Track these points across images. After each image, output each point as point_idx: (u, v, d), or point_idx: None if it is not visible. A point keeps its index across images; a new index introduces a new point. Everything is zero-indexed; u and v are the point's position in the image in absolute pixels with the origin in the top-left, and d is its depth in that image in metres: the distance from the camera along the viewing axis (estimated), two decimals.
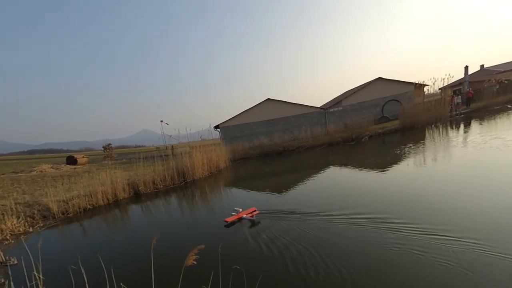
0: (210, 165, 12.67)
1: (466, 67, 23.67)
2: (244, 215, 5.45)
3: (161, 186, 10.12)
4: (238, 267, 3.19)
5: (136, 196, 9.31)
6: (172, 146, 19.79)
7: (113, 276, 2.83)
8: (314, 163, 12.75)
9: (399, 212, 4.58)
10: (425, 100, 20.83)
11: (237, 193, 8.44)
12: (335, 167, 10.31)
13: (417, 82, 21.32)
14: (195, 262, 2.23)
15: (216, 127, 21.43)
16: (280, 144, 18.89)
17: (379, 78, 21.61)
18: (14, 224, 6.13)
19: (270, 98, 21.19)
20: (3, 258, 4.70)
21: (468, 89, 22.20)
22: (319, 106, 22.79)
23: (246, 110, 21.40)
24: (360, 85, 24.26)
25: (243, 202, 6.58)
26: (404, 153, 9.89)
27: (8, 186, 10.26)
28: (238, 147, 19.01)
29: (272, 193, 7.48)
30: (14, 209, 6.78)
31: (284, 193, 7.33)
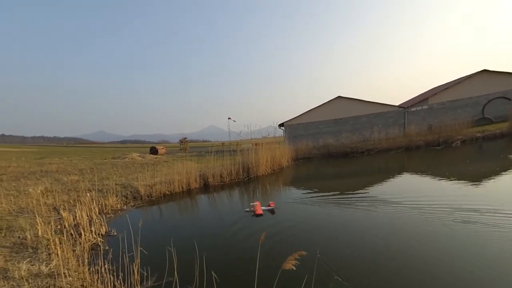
0: (273, 162, 12.55)
1: None
2: (263, 207, 6.13)
3: (227, 180, 10.50)
4: (339, 279, 2.89)
5: (205, 187, 9.90)
6: (237, 143, 20.69)
7: (174, 256, 3.16)
8: (385, 168, 11.42)
9: None
10: None
11: (296, 192, 8.09)
12: (411, 174, 8.97)
13: None
14: (294, 268, 2.19)
15: (281, 125, 21.29)
16: (347, 145, 17.37)
17: (484, 70, 17.36)
18: (114, 201, 7.25)
19: (341, 95, 19.73)
20: (107, 229, 5.55)
21: None
22: (397, 104, 19.97)
23: (313, 108, 20.54)
24: (455, 80, 20.08)
25: (303, 201, 6.57)
26: None
27: (109, 169, 12.48)
28: (301, 146, 18.39)
29: (337, 194, 6.79)
30: (114, 189, 8.07)
31: (346, 196, 6.66)
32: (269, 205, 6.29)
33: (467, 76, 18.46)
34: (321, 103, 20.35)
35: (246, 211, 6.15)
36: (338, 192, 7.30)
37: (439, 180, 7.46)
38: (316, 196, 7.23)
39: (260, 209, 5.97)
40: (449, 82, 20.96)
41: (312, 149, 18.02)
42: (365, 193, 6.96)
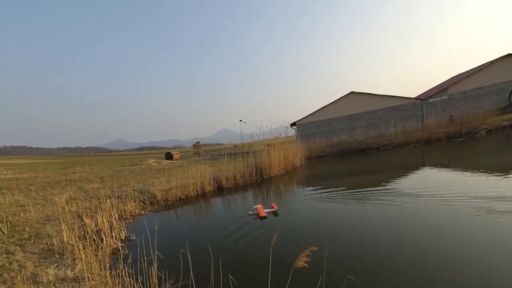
0: (286, 163, 12.47)
1: None
2: (266, 210, 6.10)
3: (241, 182, 10.54)
4: (352, 278, 2.81)
5: (219, 190, 9.98)
6: (249, 144, 20.74)
7: (189, 259, 3.27)
8: (402, 163, 11.00)
9: None
10: None
11: (309, 191, 7.97)
12: (432, 168, 8.55)
13: None
14: (306, 265, 2.23)
15: (293, 124, 21.12)
16: (362, 141, 16.92)
17: (509, 54, 16.30)
18: (132, 207, 7.50)
19: (354, 91, 19.25)
20: (127, 234, 5.74)
21: None
22: (413, 96, 19.19)
23: (325, 106, 20.16)
24: (476, 67, 19.00)
25: (315, 199, 6.46)
26: None
27: (127, 176, 12.93)
28: (314, 145, 18.15)
29: (351, 191, 6.58)
30: (132, 195, 8.34)
31: (361, 193, 6.41)
32: (271, 207, 6.25)
33: (490, 61, 17.38)
34: (334, 100, 19.96)
35: (250, 214, 6.12)
36: (352, 190, 7.16)
37: (463, 173, 7.08)
38: (330, 194, 7.11)
39: (263, 211, 5.96)
40: (469, 70, 19.84)
41: (326, 147, 17.71)
42: (382, 189, 6.75)
